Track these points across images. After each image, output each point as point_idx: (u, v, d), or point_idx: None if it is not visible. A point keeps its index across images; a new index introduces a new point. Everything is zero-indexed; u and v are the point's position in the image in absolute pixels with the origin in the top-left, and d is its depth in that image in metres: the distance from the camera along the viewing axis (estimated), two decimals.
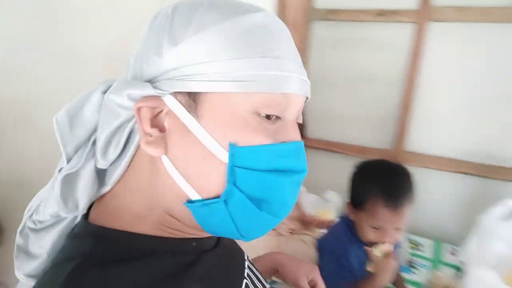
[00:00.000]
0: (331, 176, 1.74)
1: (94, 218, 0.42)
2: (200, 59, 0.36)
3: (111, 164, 0.41)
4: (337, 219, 1.26)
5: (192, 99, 0.37)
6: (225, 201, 0.38)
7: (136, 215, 0.41)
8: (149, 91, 0.37)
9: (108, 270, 0.36)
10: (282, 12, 1.75)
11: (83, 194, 0.41)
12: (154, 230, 0.41)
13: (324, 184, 1.81)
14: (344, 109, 1.91)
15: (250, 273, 0.52)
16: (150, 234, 0.41)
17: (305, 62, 1.80)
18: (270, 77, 0.37)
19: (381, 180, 1.03)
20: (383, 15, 1.70)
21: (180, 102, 0.38)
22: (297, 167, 0.41)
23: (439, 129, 1.75)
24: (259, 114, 0.38)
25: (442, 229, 1.78)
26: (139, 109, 0.38)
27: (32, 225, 0.45)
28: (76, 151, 0.40)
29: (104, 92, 0.40)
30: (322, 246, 1.22)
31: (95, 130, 0.41)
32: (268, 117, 0.38)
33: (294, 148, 0.41)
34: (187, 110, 0.37)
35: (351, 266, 1.07)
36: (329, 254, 1.13)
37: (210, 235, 0.44)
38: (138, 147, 0.41)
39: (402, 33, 1.71)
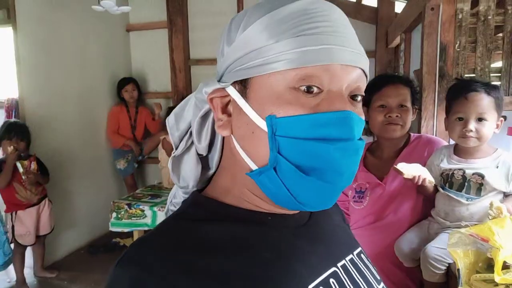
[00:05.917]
0: None
1: (204, 190, 0.54)
2: (244, 51, 0.43)
3: (210, 152, 0.54)
4: None
5: (243, 85, 0.45)
6: (275, 168, 0.43)
7: (224, 188, 0.51)
8: (216, 85, 0.47)
9: (190, 224, 0.46)
10: None
11: (190, 173, 0.54)
12: (236, 201, 0.49)
13: None
14: None
15: (350, 267, 0.52)
16: (233, 204, 0.49)
17: None
18: (301, 53, 0.40)
19: None
20: None
21: (237, 90, 0.46)
22: (341, 135, 0.42)
23: None
24: (296, 89, 0.41)
25: None
26: (211, 100, 0.48)
27: (172, 207, 0.61)
28: (180, 139, 0.54)
29: None
30: None
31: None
32: (308, 91, 0.41)
33: (336, 117, 0.41)
34: (241, 95, 0.45)
35: None
36: None
37: (288, 212, 0.50)
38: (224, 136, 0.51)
39: None
